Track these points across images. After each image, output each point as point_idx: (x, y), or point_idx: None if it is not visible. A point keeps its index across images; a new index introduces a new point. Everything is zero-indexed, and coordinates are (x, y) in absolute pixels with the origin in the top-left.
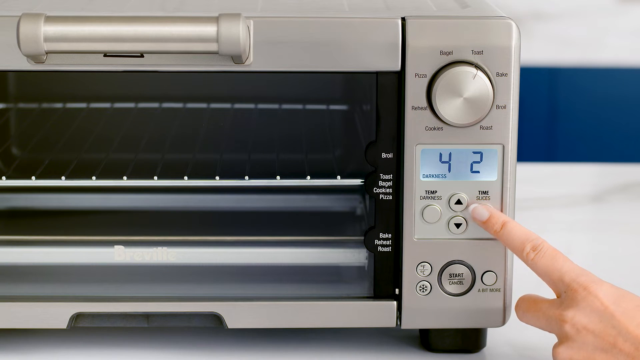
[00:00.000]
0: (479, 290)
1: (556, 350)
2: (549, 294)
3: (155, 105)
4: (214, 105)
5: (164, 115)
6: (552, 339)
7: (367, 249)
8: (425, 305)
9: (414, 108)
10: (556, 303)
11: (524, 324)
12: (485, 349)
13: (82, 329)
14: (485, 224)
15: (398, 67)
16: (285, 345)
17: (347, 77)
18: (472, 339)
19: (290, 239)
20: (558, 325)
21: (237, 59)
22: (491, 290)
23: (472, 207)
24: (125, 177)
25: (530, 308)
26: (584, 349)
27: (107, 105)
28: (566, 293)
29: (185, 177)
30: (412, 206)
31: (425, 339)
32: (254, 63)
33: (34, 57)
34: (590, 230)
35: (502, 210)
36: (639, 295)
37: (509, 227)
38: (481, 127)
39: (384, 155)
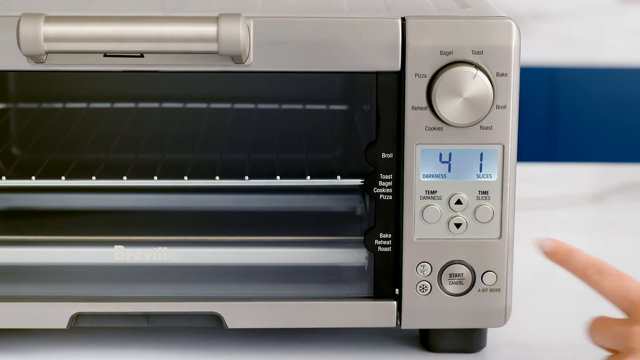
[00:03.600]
0: (479, 290)
1: None
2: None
3: (155, 105)
4: (214, 105)
5: (164, 115)
6: (552, 339)
7: (367, 249)
8: (425, 305)
9: (414, 108)
10: (624, 321)
11: (524, 323)
12: (485, 349)
13: (82, 329)
14: (549, 254)
15: (398, 67)
16: (285, 345)
17: (347, 77)
18: (472, 339)
19: (291, 239)
20: (623, 340)
21: (237, 59)
22: (491, 290)
23: (537, 240)
24: (125, 177)
25: (599, 327)
26: None
27: (107, 105)
28: (633, 310)
29: (185, 177)
30: (412, 206)
31: (425, 339)
32: (254, 63)
33: (34, 57)
34: (590, 230)
35: (502, 210)
36: None
37: (574, 254)
38: (481, 127)
39: (384, 155)
